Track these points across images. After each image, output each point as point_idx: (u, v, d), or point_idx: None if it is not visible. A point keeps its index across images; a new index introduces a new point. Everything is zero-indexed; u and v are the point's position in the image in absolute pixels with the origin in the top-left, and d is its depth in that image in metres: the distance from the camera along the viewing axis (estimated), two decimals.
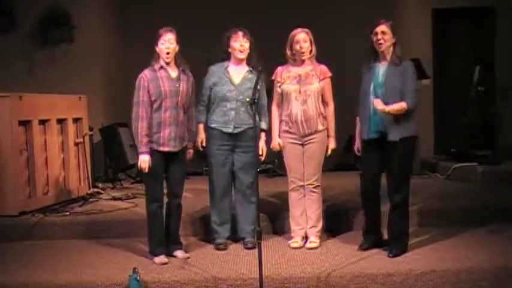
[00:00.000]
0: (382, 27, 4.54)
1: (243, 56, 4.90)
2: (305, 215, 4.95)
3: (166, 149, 4.58)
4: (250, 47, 4.91)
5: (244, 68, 4.96)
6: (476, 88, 7.54)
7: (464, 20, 8.60)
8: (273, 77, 4.98)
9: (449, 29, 8.65)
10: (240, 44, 4.87)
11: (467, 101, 7.63)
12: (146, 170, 4.51)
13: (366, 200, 4.79)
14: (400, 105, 4.45)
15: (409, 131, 4.55)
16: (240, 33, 4.87)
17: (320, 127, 4.87)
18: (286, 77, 4.90)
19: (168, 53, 4.55)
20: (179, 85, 4.60)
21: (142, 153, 4.51)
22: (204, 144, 4.96)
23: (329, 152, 4.93)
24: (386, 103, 4.47)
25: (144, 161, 4.50)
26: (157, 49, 4.58)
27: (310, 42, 4.86)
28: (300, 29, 4.86)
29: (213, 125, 4.95)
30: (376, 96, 4.51)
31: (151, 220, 4.65)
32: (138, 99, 4.55)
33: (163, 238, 4.67)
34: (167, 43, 4.55)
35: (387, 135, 4.53)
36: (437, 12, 8.52)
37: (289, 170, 4.98)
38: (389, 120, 4.49)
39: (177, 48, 4.61)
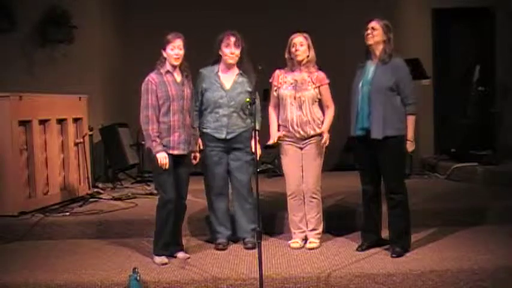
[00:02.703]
0: (373, 23, 4.61)
1: (233, 61, 4.92)
2: (305, 219, 4.95)
3: (176, 152, 4.60)
4: (242, 51, 4.91)
5: (234, 72, 4.97)
6: (477, 88, 7.54)
7: (464, 20, 8.58)
8: (270, 80, 5.00)
9: (449, 29, 8.64)
10: (230, 51, 4.87)
11: (468, 101, 7.63)
12: (167, 166, 4.51)
13: (365, 199, 4.80)
14: (411, 123, 4.59)
15: (395, 130, 4.55)
16: (232, 40, 4.86)
17: (318, 130, 4.87)
18: (283, 81, 4.92)
19: (177, 59, 4.59)
20: (184, 89, 4.63)
21: (159, 151, 4.52)
22: (201, 148, 4.96)
23: (324, 136, 4.83)
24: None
25: (163, 157, 4.50)
26: (164, 54, 4.60)
27: (308, 47, 4.87)
28: (298, 33, 4.90)
29: (206, 130, 4.95)
30: (363, 94, 4.57)
31: (162, 222, 4.62)
32: (147, 102, 4.56)
33: (170, 240, 4.68)
34: (177, 49, 4.57)
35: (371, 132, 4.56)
36: (437, 12, 8.51)
37: (287, 176, 4.97)
38: (374, 118, 4.52)
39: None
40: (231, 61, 4.91)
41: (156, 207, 4.67)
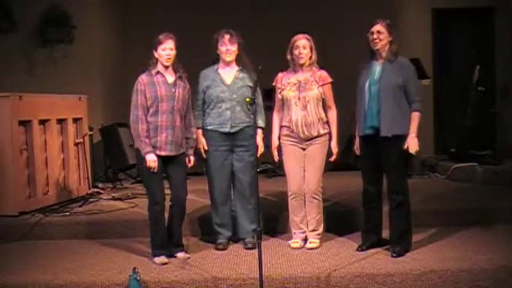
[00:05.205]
0: (378, 27, 4.59)
1: (230, 58, 4.95)
2: (305, 219, 4.95)
3: (163, 153, 4.59)
4: (239, 48, 4.95)
5: (234, 68, 5.00)
6: (476, 88, 7.54)
7: (464, 20, 8.59)
8: (273, 83, 5.01)
9: (449, 29, 8.65)
10: (226, 48, 4.91)
11: (467, 101, 7.63)
12: (156, 169, 4.52)
13: (366, 200, 4.80)
14: (415, 119, 4.56)
15: (402, 129, 4.56)
16: (227, 37, 4.91)
17: (322, 131, 4.88)
18: (286, 83, 4.92)
19: (168, 59, 4.59)
20: (175, 90, 4.62)
21: (148, 153, 4.53)
22: (206, 148, 4.97)
23: (334, 155, 4.91)
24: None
25: (152, 160, 4.51)
26: (156, 54, 4.60)
27: (311, 49, 4.88)
28: (301, 35, 4.89)
29: (210, 127, 4.96)
30: (371, 93, 4.55)
31: (153, 223, 4.65)
32: (136, 103, 4.58)
33: (166, 240, 4.67)
34: (168, 50, 4.58)
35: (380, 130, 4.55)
36: (437, 12, 8.52)
37: (289, 177, 4.96)
38: (383, 116, 4.51)
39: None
40: (228, 58, 4.94)
41: (147, 209, 4.68)
